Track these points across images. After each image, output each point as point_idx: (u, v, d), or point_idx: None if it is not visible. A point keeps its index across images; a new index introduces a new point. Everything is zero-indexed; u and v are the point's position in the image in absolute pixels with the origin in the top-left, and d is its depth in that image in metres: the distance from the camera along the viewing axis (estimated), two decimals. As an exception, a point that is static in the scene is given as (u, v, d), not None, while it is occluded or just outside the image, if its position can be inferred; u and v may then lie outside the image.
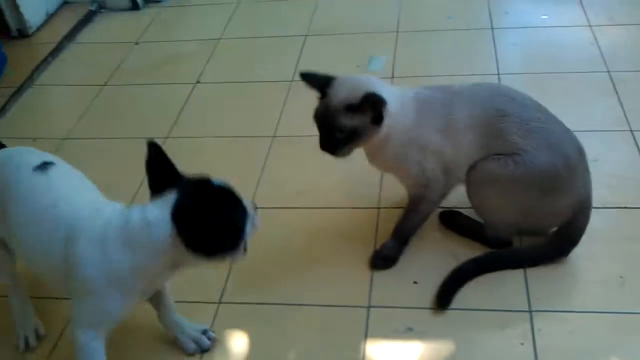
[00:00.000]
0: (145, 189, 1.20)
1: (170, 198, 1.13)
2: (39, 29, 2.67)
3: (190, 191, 1.14)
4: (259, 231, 1.22)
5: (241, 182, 1.25)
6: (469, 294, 1.44)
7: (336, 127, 1.39)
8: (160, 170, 1.18)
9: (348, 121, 1.38)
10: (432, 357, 1.35)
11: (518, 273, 1.48)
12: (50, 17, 2.74)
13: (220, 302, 1.50)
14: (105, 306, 1.19)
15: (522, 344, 1.34)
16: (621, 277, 1.45)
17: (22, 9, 2.57)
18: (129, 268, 1.14)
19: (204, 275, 1.53)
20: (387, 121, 1.39)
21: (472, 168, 1.46)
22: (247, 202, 1.19)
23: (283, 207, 1.71)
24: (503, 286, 1.46)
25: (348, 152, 1.44)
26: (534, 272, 1.47)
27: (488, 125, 1.44)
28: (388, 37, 2.38)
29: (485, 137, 1.44)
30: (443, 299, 1.43)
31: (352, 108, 1.37)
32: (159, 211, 1.12)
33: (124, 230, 1.14)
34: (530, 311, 1.40)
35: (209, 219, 1.11)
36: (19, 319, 1.46)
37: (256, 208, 1.22)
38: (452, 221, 1.63)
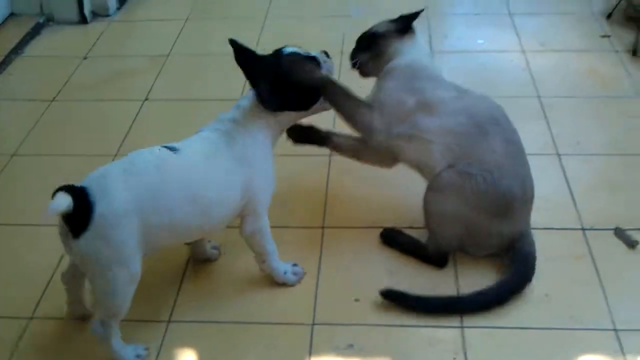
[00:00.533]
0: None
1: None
2: (-14, 40, 2.67)
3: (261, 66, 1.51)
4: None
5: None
6: (406, 311, 1.55)
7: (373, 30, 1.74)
8: (247, 61, 1.51)
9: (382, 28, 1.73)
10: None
11: (451, 292, 1.59)
12: (-3, 27, 2.74)
13: (169, 321, 1.56)
14: (271, 176, 1.54)
15: (454, 358, 1.45)
16: (546, 295, 1.58)
17: (-30, 20, 2.57)
18: (262, 140, 1.50)
19: (152, 294, 1.59)
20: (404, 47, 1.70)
21: (437, 175, 1.57)
22: (317, 54, 1.56)
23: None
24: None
25: (365, 60, 1.73)
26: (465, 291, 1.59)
27: (469, 135, 1.55)
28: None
29: (464, 143, 1.55)
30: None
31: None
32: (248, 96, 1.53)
33: (240, 124, 1.49)
34: (462, 327, 1.51)
35: (276, 82, 1.48)
36: None
37: (328, 57, 1.58)
38: (393, 239, 1.73)
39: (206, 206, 1.43)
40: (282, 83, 1.50)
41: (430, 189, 1.60)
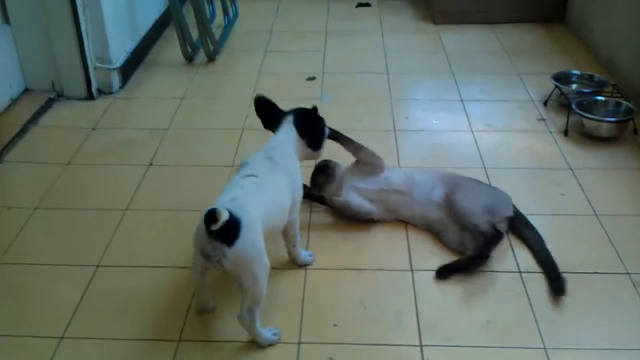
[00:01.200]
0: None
1: (289, 120, 2.07)
2: (3, 112, 3.00)
3: (298, 113, 2.08)
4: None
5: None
6: (370, 328, 1.90)
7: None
8: (267, 112, 2.08)
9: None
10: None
11: (411, 311, 1.95)
12: (13, 102, 3.08)
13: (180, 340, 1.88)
14: (301, 182, 2.04)
15: (415, 369, 1.79)
16: (487, 322, 1.95)
17: (-11, 95, 2.92)
18: (295, 159, 2.03)
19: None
20: None
21: None
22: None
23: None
24: (400, 325, 1.92)
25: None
26: (425, 312, 1.95)
27: None
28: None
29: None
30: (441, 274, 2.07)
31: None
32: (286, 128, 2.05)
33: (279, 150, 2.00)
34: (421, 345, 1.86)
35: (312, 125, 2.08)
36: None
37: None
38: (450, 270, 2.10)
39: (282, 207, 1.92)
40: (314, 127, 2.11)
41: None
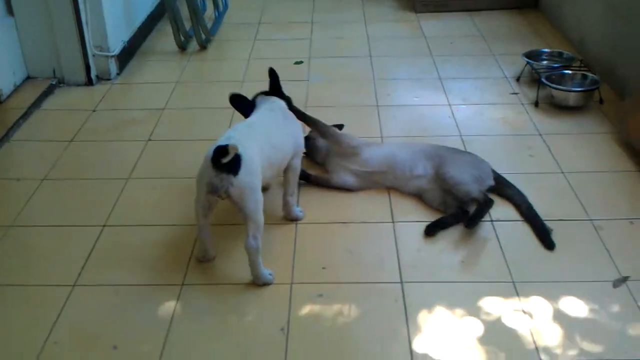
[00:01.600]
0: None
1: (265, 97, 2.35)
2: (7, 98, 3.18)
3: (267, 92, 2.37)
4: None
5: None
6: (355, 270, 2.09)
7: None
8: (244, 103, 2.31)
9: None
10: (342, 316, 1.97)
11: (392, 255, 2.15)
12: (17, 88, 3.26)
13: (183, 284, 2.07)
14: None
15: (395, 301, 1.98)
16: (462, 261, 2.15)
17: (-3, 79, 3.11)
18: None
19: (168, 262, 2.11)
20: None
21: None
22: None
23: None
24: (382, 267, 2.12)
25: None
26: (405, 256, 2.14)
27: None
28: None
29: None
30: (430, 230, 2.25)
31: None
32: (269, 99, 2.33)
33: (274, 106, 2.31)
34: (401, 282, 2.05)
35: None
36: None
37: None
38: (437, 227, 2.28)
39: (278, 145, 2.18)
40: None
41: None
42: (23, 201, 2.49)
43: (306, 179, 2.52)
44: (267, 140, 2.14)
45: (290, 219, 2.35)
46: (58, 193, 2.55)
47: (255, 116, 2.26)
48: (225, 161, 1.90)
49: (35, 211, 2.45)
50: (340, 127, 2.68)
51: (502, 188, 2.45)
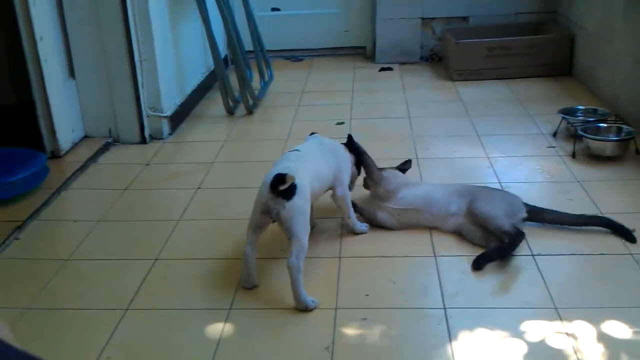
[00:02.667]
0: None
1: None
2: (67, 152, 3.38)
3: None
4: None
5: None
6: (399, 297, 2.14)
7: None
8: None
9: None
10: (385, 337, 2.01)
11: (435, 285, 2.19)
12: (75, 145, 3.47)
13: (230, 309, 2.14)
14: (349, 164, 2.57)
15: (439, 324, 2.02)
16: (504, 290, 2.18)
17: (58, 135, 3.31)
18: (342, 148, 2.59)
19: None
20: None
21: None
22: None
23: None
24: (425, 295, 2.16)
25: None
26: (447, 285, 2.19)
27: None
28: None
29: None
30: (477, 264, 2.29)
31: None
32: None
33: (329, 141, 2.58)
34: (444, 308, 2.09)
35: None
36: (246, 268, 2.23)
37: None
38: (484, 260, 2.32)
39: (322, 176, 2.36)
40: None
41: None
42: (79, 239, 2.62)
43: (353, 207, 2.61)
44: (316, 170, 2.33)
45: (355, 233, 2.56)
46: (112, 232, 2.68)
47: (305, 145, 2.46)
48: (283, 188, 2.10)
49: (91, 247, 2.57)
50: (408, 162, 2.83)
51: (543, 215, 2.52)
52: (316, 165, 2.36)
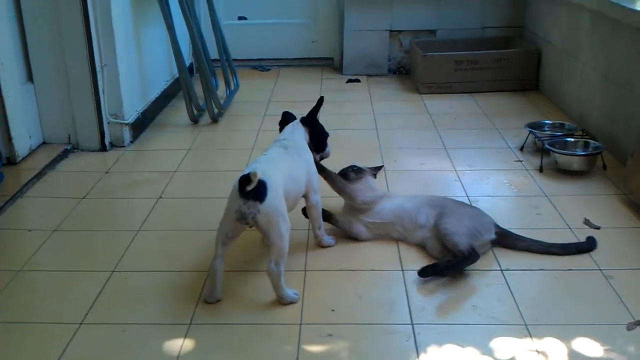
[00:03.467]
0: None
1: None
2: (23, 159, 3.25)
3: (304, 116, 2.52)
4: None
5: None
6: (365, 312, 2.07)
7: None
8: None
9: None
10: (352, 353, 1.94)
11: (402, 300, 2.13)
12: (32, 151, 3.34)
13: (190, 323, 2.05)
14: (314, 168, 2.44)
15: (407, 340, 1.96)
16: (474, 306, 2.13)
17: (14, 141, 3.18)
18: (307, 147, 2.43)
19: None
20: None
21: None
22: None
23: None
24: (392, 310, 2.10)
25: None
26: (415, 300, 2.13)
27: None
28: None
29: None
30: (423, 272, 2.25)
31: None
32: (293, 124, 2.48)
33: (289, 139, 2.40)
34: (412, 324, 2.03)
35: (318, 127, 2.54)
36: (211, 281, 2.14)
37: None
38: (430, 271, 2.26)
39: (295, 180, 2.27)
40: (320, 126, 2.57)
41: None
42: (33, 249, 2.50)
43: (328, 219, 2.56)
44: (288, 172, 2.25)
45: (322, 246, 2.49)
46: (68, 242, 2.57)
47: (271, 152, 2.34)
48: (250, 188, 2.00)
49: (45, 258, 2.46)
50: (379, 168, 2.78)
51: (515, 242, 2.46)
52: (287, 165, 2.27)
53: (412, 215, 2.51)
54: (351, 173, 2.61)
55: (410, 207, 2.54)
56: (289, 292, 2.13)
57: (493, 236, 2.44)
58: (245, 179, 2.00)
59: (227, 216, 2.09)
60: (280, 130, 2.52)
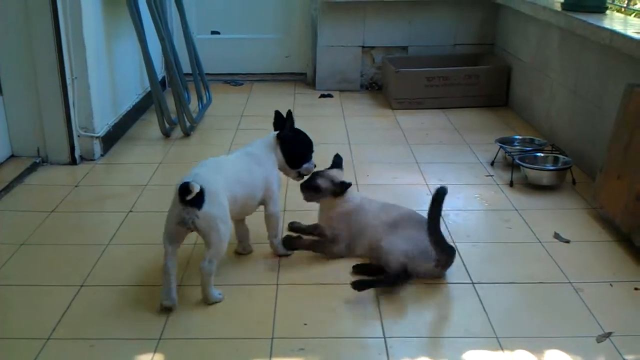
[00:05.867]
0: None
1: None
2: (-10, 173, 3.20)
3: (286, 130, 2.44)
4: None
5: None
6: (338, 326, 2.06)
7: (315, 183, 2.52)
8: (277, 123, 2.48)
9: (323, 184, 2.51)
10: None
11: (375, 315, 2.13)
12: (0, 164, 3.28)
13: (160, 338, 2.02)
14: (277, 178, 2.45)
15: (379, 354, 1.95)
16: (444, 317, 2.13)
17: (-21, 156, 3.13)
18: (271, 158, 2.43)
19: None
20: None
21: None
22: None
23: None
24: (365, 325, 2.10)
25: (310, 199, 2.53)
26: (388, 315, 2.13)
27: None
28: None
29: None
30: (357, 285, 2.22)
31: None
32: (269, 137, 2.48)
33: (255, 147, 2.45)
34: (384, 337, 2.03)
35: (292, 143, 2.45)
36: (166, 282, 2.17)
37: (315, 166, 2.51)
38: (365, 285, 2.25)
39: (248, 186, 2.31)
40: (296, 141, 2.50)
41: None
42: (0, 263, 2.45)
43: (300, 246, 2.52)
44: (234, 176, 2.28)
45: (278, 255, 2.51)
46: (36, 256, 2.53)
47: (232, 155, 2.43)
48: (189, 198, 2.06)
49: (12, 271, 2.41)
50: (337, 157, 2.74)
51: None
52: (238, 171, 2.32)
53: (378, 232, 2.47)
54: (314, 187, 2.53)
55: (375, 223, 2.51)
56: (216, 292, 2.19)
57: (424, 270, 2.33)
58: (184, 189, 2.06)
59: (169, 220, 2.17)
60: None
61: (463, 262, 2.46)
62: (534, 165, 3.19)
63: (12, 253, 2.53)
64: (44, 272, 2.41)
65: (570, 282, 2.34)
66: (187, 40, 4.30)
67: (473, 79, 4.48)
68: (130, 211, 2.90)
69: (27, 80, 3.31)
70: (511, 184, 3.17)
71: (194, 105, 4.32)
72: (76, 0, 3.28)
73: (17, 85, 3.32)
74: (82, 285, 2.31)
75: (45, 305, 2.20)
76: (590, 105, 3.27)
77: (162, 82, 4.56)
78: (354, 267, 2.40)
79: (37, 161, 3.40)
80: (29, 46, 3.25)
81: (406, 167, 3.45)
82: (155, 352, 1.97)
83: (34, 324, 2.09)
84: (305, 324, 2.10)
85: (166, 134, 3.90)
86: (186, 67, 4.25)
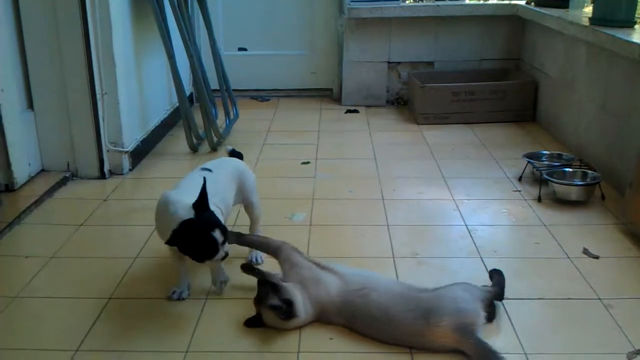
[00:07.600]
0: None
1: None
2: (22, 186, 3.25)
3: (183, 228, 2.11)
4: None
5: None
6: (365, 343, 2.06)
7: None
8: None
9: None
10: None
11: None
12: (31, 178, 3.34)
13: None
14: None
15: (406, 368, 1.94)
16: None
17: (13, 168, 3.18)
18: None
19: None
20: None
21: None
22: (218, 234, 2.10)
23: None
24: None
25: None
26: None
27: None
28: (306, 202, 3.15)
29: None
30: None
31: None
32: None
33: None
34: (411, 352, 2.02)
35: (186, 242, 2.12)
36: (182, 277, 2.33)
37: (224, 241, 2.12)
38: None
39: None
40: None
41: None
42: (30, 276, 2.49)
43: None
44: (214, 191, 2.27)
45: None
46: (65, 269, 2.56)
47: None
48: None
49: (42, 284, 2.44)
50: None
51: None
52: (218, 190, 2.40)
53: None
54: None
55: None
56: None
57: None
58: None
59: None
60: None
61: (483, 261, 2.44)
62: (562, 180, 3.16)
63: (42, 266, 2.56)
64: (73, 285, 2.44)
65: (599, 299, 2.30)
66: (215, 57, 4.35)
67: (499, 94, 4.46)
68: (158, 225, 2.92)
69: (57, 96, 3.37)
70: (539, 199, 3.14)
71: (221, 120, 4.35)
72: (106, 18, 3.33)
73: (48, 100, 3.38)
74: (110, 298, 2.33)
75: (74, 317, 2.22)
76: (618, 120, 3.24)
77: (190, 98, 4.61)
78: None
79: (67, 175, 3.45)
80: (60, 62, 3.31)
81: (433, 181, 3.44)
82: (182, 364, 1.98)
83: (63, 336, 2.12)
84: (331, 339, 2.10)
85: (194, 149, 3.93)
86: (214, 83, 4.30)
